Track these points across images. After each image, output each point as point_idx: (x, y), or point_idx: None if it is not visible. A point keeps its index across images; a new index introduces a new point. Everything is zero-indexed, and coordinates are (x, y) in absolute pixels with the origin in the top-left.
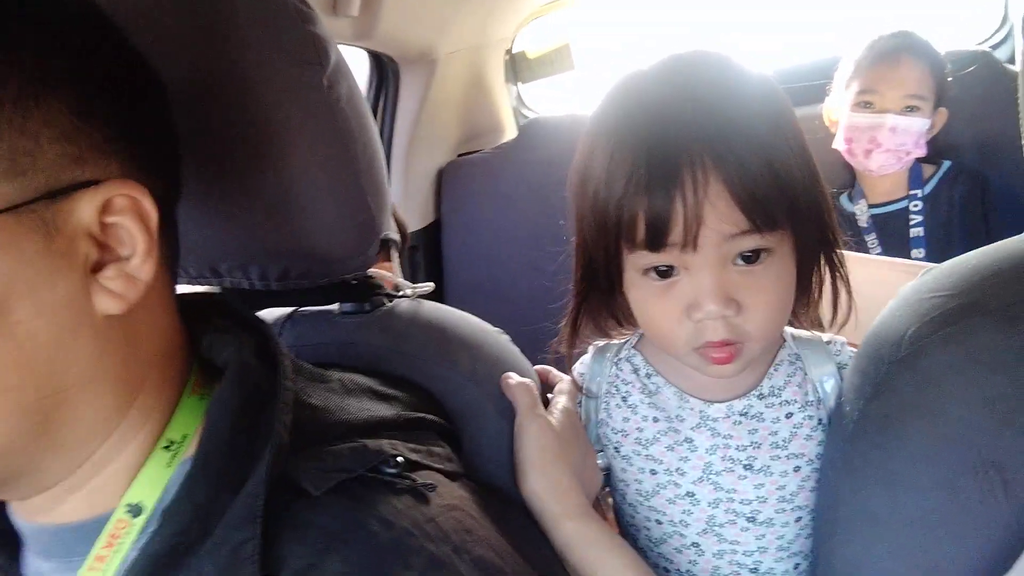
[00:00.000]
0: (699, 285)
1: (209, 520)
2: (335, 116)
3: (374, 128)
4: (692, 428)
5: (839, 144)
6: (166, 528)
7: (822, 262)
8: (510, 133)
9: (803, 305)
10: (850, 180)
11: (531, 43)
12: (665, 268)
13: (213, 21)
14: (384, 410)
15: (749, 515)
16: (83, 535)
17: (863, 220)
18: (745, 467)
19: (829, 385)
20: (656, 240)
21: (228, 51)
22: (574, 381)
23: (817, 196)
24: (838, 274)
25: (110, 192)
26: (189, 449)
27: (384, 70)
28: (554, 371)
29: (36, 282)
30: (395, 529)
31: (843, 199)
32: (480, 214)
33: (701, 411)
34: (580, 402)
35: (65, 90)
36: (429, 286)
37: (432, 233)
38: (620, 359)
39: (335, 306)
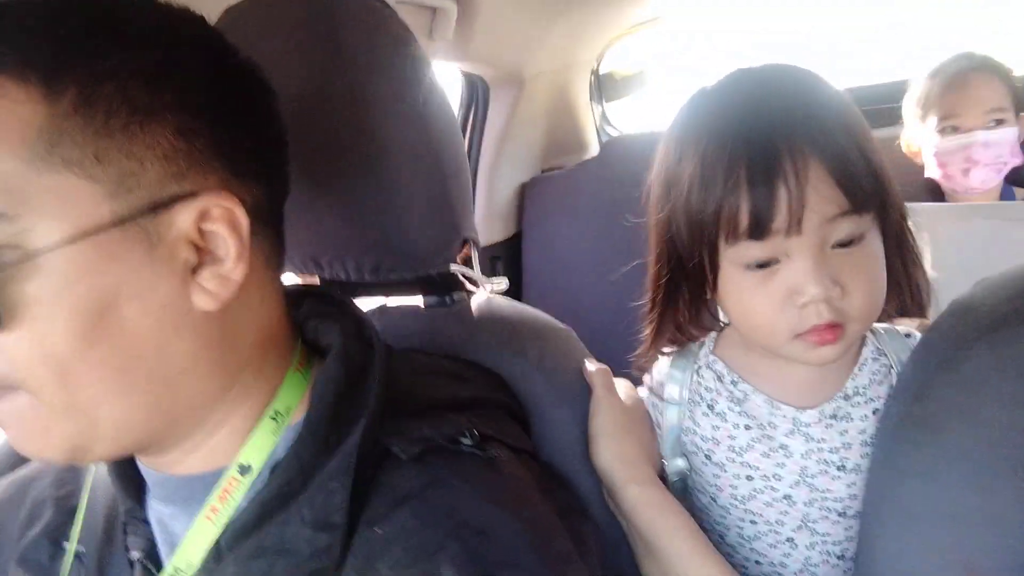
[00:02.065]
0: (802, 269)
1: (310, 474)
2: (428, 128)
3: (462, 141)
4: (785, 435)
5: (932, 172)
6: (275, 479)
7: (905, 254)
8: (593, 150)
9: (889, 294)
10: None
11: (616, 63)
12: (767, 260)
13: (327, 42)
14: (462, 391)
15: (841, 511)
16: (201, 486)
17: None
18: (838, 468)
19: None
20: (760, 228)
21: (339, 67)
22: (650, 388)
23: (893, 186)
24: (913, 261)
25: (206, 203)
26: (293, 418)
27: (475, 88)
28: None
29: (142, 286)
30: (462, 492)
31: None
32: (560, 228)
33: (794, 418)
34: (657, 407)
35: (171, 116)
36: (504, 281)
37: (513, 245)
38: (700, 366)
39: (420, 298)
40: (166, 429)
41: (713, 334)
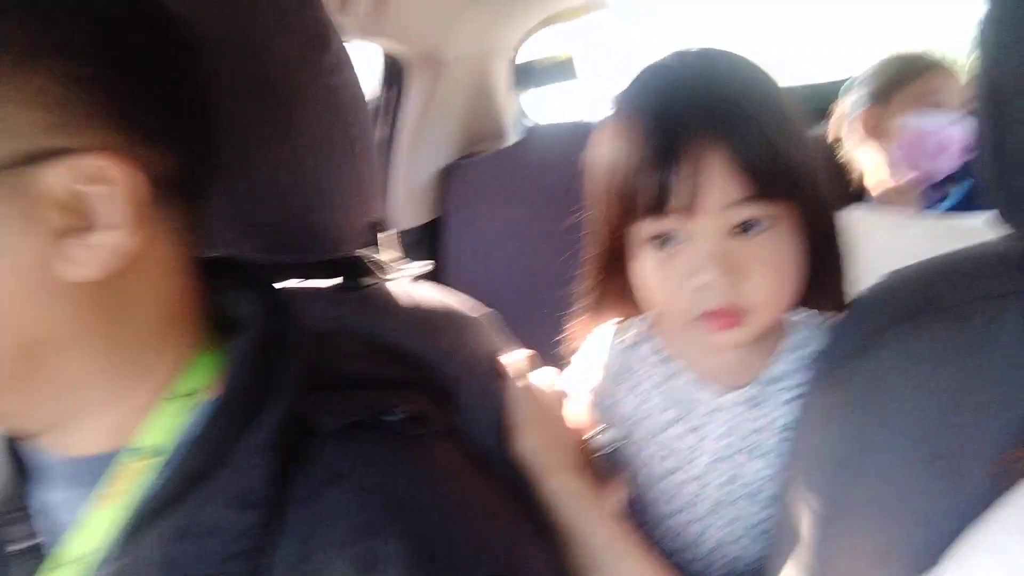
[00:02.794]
0: (698, 253)
1: (227, 451)
2: (336, 99)
3: (369, 118)
4: (704, 415)
5: (898, 148)
6: (187, 457)
7: (826, 245)
8: (512, 139)
9: (823, 287)
10: (856, 197)
11: (536, 52)
12: (667, 236)
13: None
14: (385, 369)
15: (754, 493)
16: (93, 468)
17: None
18: (750, 452)
19: None
20: (658, 204)
21: (239, 22)
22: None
23: (820, 180)
24: (839, 257)
25: (87, 163)
26: (208, 395)
27: (392, 69)
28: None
29: (4, 242)
30: (390, 471)
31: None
32: (479, 215)
33: (712, 401)
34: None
35: (55, 60)
36: (421, 266)
37: (431, 231)
38: (637, 342)
39: (326, 283)
40: (34, 404)
41: (652, 312)
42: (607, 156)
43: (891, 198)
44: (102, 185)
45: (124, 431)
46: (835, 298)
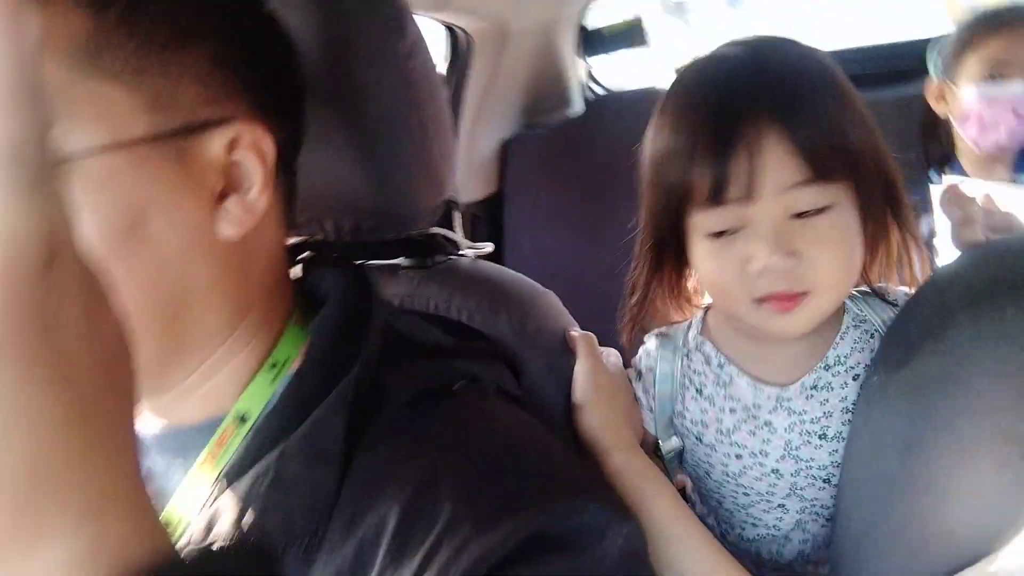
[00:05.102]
0: (757, 236)
1: (307, 412)
2: (411, 83)
3: (445, 99)
4: (769, 412)
5: (965, 120)
6: (272, 417)
7: (891, 224)
8: (577, 108)
9: (877, 266)
10: (944, 160)
11: (605, 18)
12: (727, 228)
13: None
14: (456, 340)
15: (826, 478)
16: (196, 435)
17: None
18: (820, 437)
19: None
20: (717, 194)
21: (324, 9)
22: (639, 372)
23: (880, 159)
24: (908, 235)
25: (237, 131)
26: (292, 369)
27: (457, 42)
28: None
29: (170, 202)
30: (457, 420)
31: (933, 174)
32: (543, 187)
33: (777, 396)
34: (648, 392)
35: (208, 42)
36: (488, 246)
37: (493, 204)
38: (689, 350)
39: (399, 260)
40: (172, 358)
41: (699, 315)
42: (660, 147)
43: (978, 166)
44: (250, 151)
45: (223, 399)
46: (903, 274)
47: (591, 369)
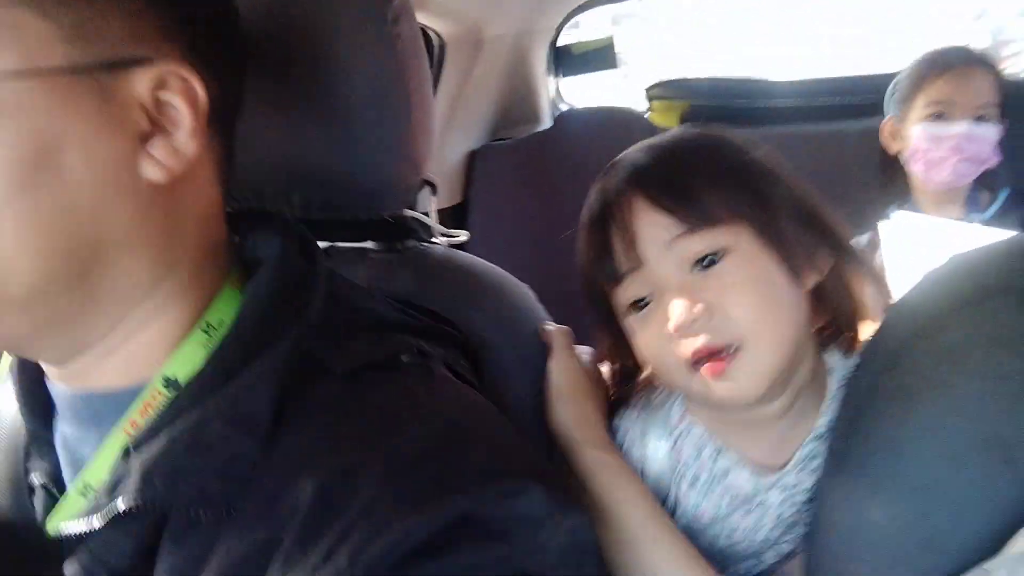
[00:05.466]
0: (665, 297)
1: (231, 376)
2: (395, 50)
3: (428, 72)
4: (765, 492)
5: (912, 158)
6: (193, 380)
7: (823, 254)
8: (545, 124)
9: (835, 320)
10: (902, 198)
11: (576, 37)
12: (641, 302)
13: None
14: (411, 319)
15: (807, 528)
16: (116, 403)
17: None
18: (808, 502)
19: None
20: (609, 270)
21: None
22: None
23: (780, 189)
24: (848, 261)
25: (164, 71)
26: (224, 332)
27: (430, 46)
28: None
29: (88, 137)
30: (390, 394)
31: (893, 212)
32: (508, 199)
33: (776, 479)
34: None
35: None
36: (463, 234)
37: (458, 213)
38: (679, 435)
39: (369, 243)
40: (84, 310)
41: (681, 398)
42: (579, 257)
43: (933, 203)
44: (179, 93)
45: (150, 362)
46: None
47: (565, 363)
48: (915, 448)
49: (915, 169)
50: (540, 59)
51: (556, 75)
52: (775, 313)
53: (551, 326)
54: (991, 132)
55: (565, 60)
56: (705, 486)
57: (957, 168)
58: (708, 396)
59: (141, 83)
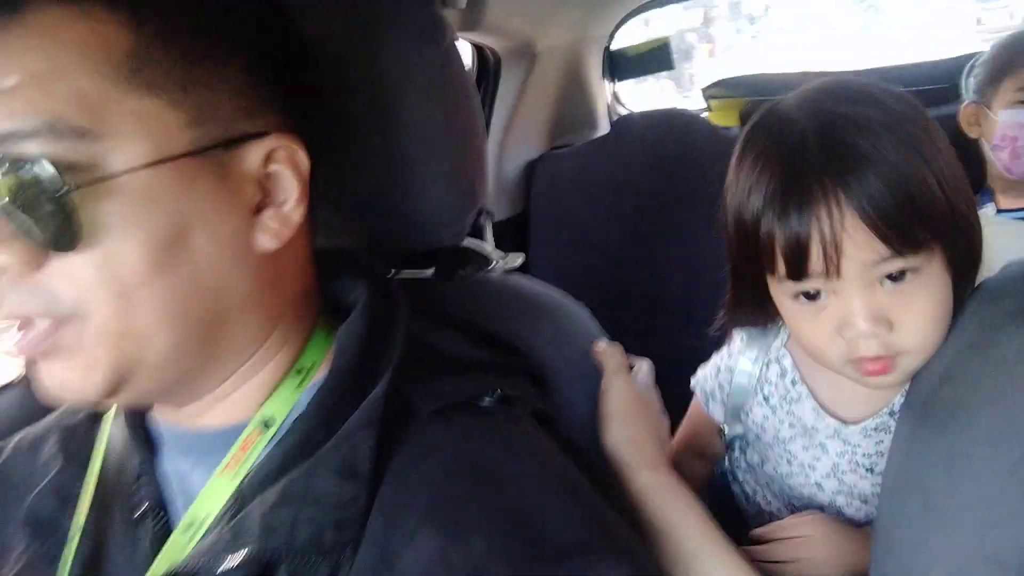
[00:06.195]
0: (848, 307)
1: (333, 426)
2: (446, 90)
3: (480, 109)
4: (826, 438)
5: (998, 144)
6: (298, 429)
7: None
8: (603, 129)
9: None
10: (976, 183)
11: (630, 40)
12: (813, 292)
13: None
14: (485, 353)
15: (865, 499)
16: (219, 440)
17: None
18: (867, 470)
19: None
20: (797, 270)
21: (359, 19)
22: (721, 362)
23: (966, 209)
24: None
25: (273, 144)
26: (317, 375)
27: (486, 62)
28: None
29: (211, 215)
30: (487, 444)
31: None
32: (569, 207)
33: (836, 428)
34: (722, 386)
35: (243, 54)
36: (520, 257)
37: (519, 224)
38: (770, 360)
39: (430, 272)
40: (206, 368)
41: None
42: (737, 203)
43: (1008, 191)
44: (285, 163)
45: (249, 405)
46: None
47: (618, 383)
48: (972, 464)
49: (998, 156)
50: (595, 65)
51: (612, 79)
52: (940, 329)
53: (604, 344)
54: None
55: (620, 64)
56: (775, 405)
57: None
58: (859, 381)
59: (253, 158)
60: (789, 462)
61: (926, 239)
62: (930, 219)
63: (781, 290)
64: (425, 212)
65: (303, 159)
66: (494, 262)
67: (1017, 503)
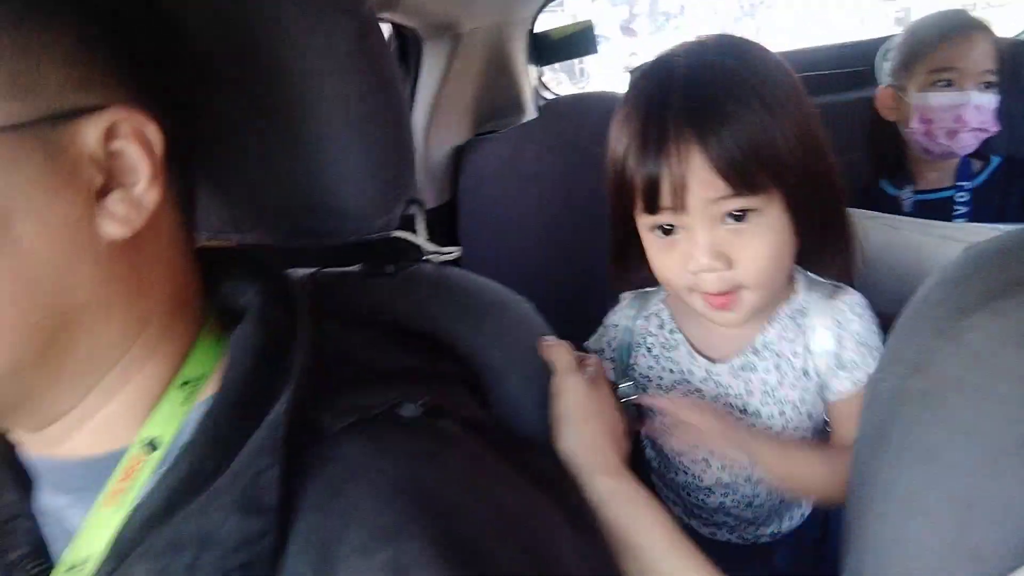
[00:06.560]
0: (693, 242)
1: (228, 452)
2: (366, 67)
3: (401, 85)
4: (700, 381)
5: (915, 127)
6: (185, 460)
7: (827, 222)
8: (530, 114)
9: (820, 257)
10: (895, 165)
11: (554, 23)
12: (668, 227)
13: None
14: (407, 359)
15: None
16: (97, 470)
17: (907, 205)
18: (740, 410)
19: (820, 337)
20: (651, 204)
21: None
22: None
23: (812, 166)
24: (840, 233)
25: (114, 118)
26: (207, 389)
27: (407, 44)
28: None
29: (38, 201)
30: (411, 466)
31: (885, 184)
32: (498, 193)
33: (707, 367)
34: (610, 342)
35: (69, 15)
36: (455, 251)
37: (447, 212)
38: (650, 313)
39: (357, 267)
40: (53, 382)
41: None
42: (612, 147)
43: (925, 172)
44: (132, 140)
45: (128, 425)
46: (840, 268)
47: (569, 383)
48: (949, 456)
49: (916, 139)
50: (519, 48)
51: (536, 63)
52: (777, 268)
53: (551, 341)
54: (994, 100)
55: (544, 47)
56: (657, 354)
57: (962, 138)
58: (703, 314)
59: (90, 134)
60: None
61: (764, 183)
62: (771, 167)
63: (643, 225)
64: (345, 201)
65: (155, 135)
66: (426, 254)
67: (995, 495)
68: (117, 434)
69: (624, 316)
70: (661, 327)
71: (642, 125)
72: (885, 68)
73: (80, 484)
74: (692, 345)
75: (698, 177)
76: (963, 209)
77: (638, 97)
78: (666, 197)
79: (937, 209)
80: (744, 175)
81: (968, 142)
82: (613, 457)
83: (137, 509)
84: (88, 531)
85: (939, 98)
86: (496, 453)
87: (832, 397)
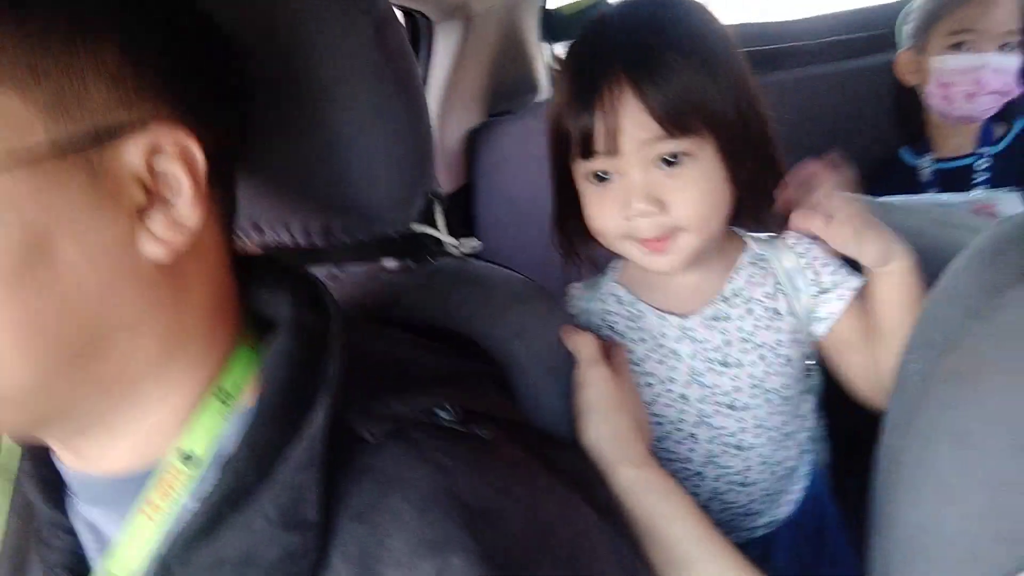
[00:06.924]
0: (627, 186)
1: (269, 466)
2: (383, 65)
3: (420, 79)
4: (675, 341)
5: (933, 91)
6: (226, 474)
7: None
8: (544, 93)
9: (755, 207)
10: (915, 133)
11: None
12: (602, 173)
13: None
14: (437, 362)
15: (729, 403)
16: (133, 482)
17: (926, 174)
18: (721, 364)
19: (789, 271)
20: (585, 148)
21: None
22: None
23: (747, 113)
24: (775, 185)
25: (158, 137)
26: (244, 401)
27: (418, 28)
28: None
29: (81, 223)
30: (456, 473)
31: (904, 152)
32: (515, 176)
33: (680, 324)
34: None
35: (114, 33)
36: (476, 243)
37: (462, 197)
38: (604, 294)
39: (379, 263)
40: (93, 403)
41: (619, 264)
42: (552, 100)
43: (946, 136)
44: (175, 159)
45: (165, 440)
46: (777, 223)
47: (594, 374)
48: (982, 437)
49: (934, 103)
50: (532, 27)
51: (549, 41)
52: (711, 212)
53: (574, 332)
54: (1015, 62)
55: (556, 24)
56: (622, 330)
57: (981, 101)
58: (641, 263)
59: (132, 153)
60: (649, 384)
61: (697, 127)
62: (704, 112)
63: (579, 174)
64: (367, 198)
65: (196, 153)
66: (449, 248)
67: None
68: (154, 448)
69: (578, 305)
70: (620, 303)
71: (578, 73)
72: (906, 31)
73: (114, 500)
74: (658, 309)
75: (632, 119)
76: (984, 176)
77: (575, 47)
78: (600, 140)
79: (957, 177)
80: (677, 117)
81: (987, 105)
82: (639, 446)
83: (179, 526)
84: (125, 544)
85: (956, 61)
86: (530, 455)
87: (824, 328)
